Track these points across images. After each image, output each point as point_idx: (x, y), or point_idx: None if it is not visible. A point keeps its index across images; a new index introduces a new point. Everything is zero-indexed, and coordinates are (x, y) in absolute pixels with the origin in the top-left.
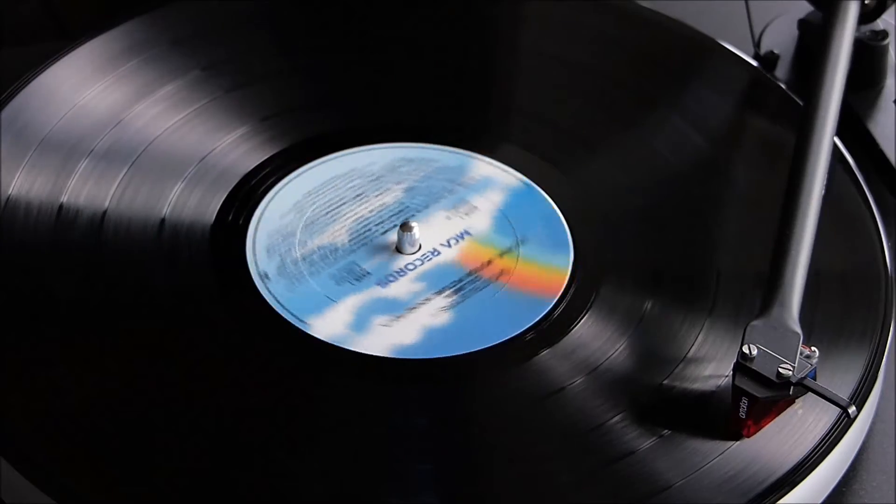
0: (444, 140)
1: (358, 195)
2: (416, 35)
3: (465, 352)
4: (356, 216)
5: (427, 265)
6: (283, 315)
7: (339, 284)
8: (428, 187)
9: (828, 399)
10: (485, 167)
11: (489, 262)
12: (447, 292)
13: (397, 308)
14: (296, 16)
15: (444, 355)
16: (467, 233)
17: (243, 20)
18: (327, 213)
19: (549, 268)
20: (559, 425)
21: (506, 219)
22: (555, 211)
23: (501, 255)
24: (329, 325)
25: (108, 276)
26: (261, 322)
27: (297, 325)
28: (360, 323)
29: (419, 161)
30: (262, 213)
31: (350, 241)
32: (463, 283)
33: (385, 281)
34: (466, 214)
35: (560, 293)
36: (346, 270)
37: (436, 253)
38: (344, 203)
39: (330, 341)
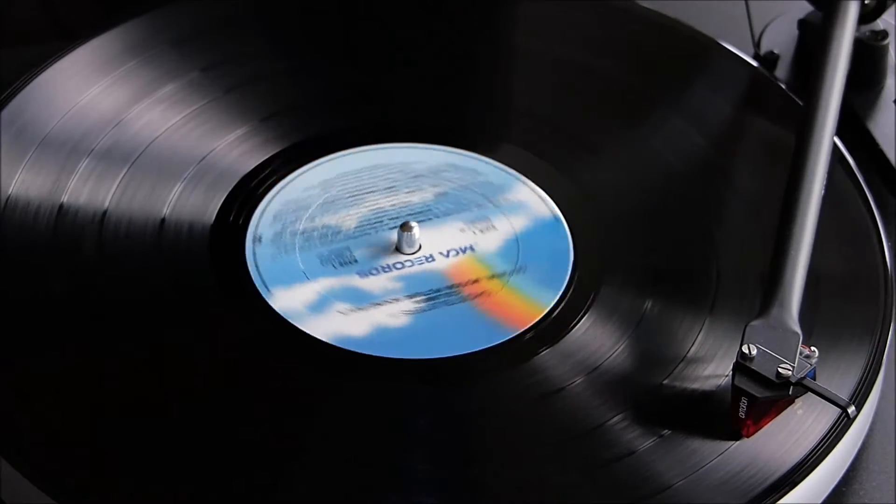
0: (443, 140)
1: (389, 188)
2: (415, 35)
3: (409, 357)
4: (375, 206)
5: (416, 268)
6: (284, 315)
7: (322, 265)
8: (459, 197)
9: (827, 399)
10: (525, 192)
11: (475, 281)
12: (418, 298)
13: (363, 300)
14: (295, 16)
15: (388, 355)
16: (471, 248)
17: (243, 21)
18: (351, 196)
19: (530, 301)
20: (559, 425)
21: (517, 245)
22: (568, 247)
23: (491, 277)
24: (290, 299)
25: (108, 276)
26: (261, 322)
27: (265, 296)
28: (320, 305)
29: (466, 170)
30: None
31: (356, 228)
32: (439, 293)
33: (366, 273)
34: (481, 231)
35: (526, 328)
36: (336, 254)
37: (430, 259)
38: (372, 192)
39: (283, 314)
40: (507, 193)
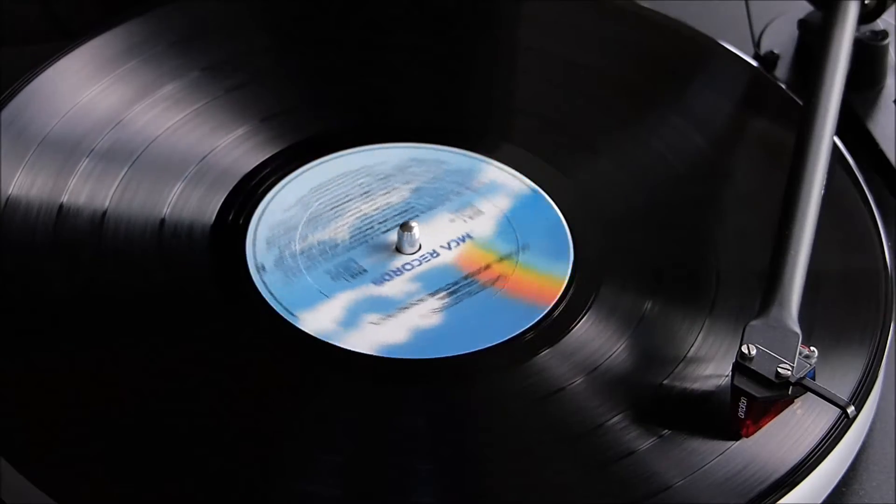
0: (444, 140)
1: (365, 192)
2: (417, 35)
3: (453, 354)
4: (360, 213)
5: (424, 266)
6: (280, 312)
7: (334, 280)
8: (436, 189)
9: (827, 399)
10: (494, 172)
11: (487, 267)
12: (441, 294)
13: (389, 307)
14: (296, 16)
15: (431, 356)
16: (469, 236)
17: (243, 20)
18: (332, 208)
19: (547, 276)
20: (559, 425)
21: (510, 224)
22: (559, 218)
23: (500, 260)
24: (319, 320)
25: (108, 276)
26: (260, 322)
27: (290, 320)
28: (350, 319)
29: (430, 162)
30: (263, 211)
31: (351, 238)
32: (458, 285)
33: (381, 279)
34: (470, 218)
35: (554, 302)
36: (342, 267)
37: (435, 254)
38: (350, 200)
39: (317, 336)
40: (478, 177)
